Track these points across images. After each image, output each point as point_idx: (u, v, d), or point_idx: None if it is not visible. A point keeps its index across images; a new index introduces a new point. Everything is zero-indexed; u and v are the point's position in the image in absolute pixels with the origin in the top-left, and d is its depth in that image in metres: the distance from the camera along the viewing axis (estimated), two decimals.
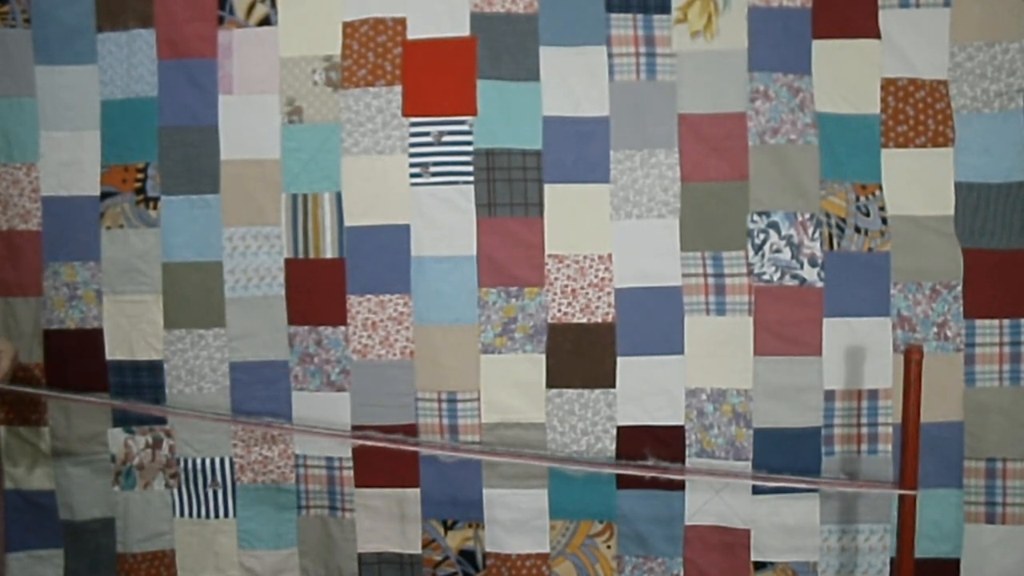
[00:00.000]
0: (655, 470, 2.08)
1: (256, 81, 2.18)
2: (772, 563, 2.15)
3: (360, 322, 2.19)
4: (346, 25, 2.16)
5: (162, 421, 2.26)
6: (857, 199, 2.09)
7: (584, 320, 2.15)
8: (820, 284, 2.10)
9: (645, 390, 2.15)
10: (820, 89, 2.09)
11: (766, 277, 2.11)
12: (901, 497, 1.88)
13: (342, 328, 2.20)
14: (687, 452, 2.15)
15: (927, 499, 2.03)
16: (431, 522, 2.23)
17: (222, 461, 2.26)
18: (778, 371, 2.11)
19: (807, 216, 2.10)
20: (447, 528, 2.23)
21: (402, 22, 2.15)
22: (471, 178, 2.15)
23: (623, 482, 2.17)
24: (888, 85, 2.08)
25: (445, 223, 2.16)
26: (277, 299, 2.22)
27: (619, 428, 2.16)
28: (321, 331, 2.21)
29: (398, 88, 2.15)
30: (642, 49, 2.12)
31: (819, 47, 2.09)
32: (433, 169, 2.16)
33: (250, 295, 2.22)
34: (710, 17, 2.09)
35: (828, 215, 2.09)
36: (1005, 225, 2.05)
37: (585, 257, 2.15)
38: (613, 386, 2.16)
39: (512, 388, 2.17)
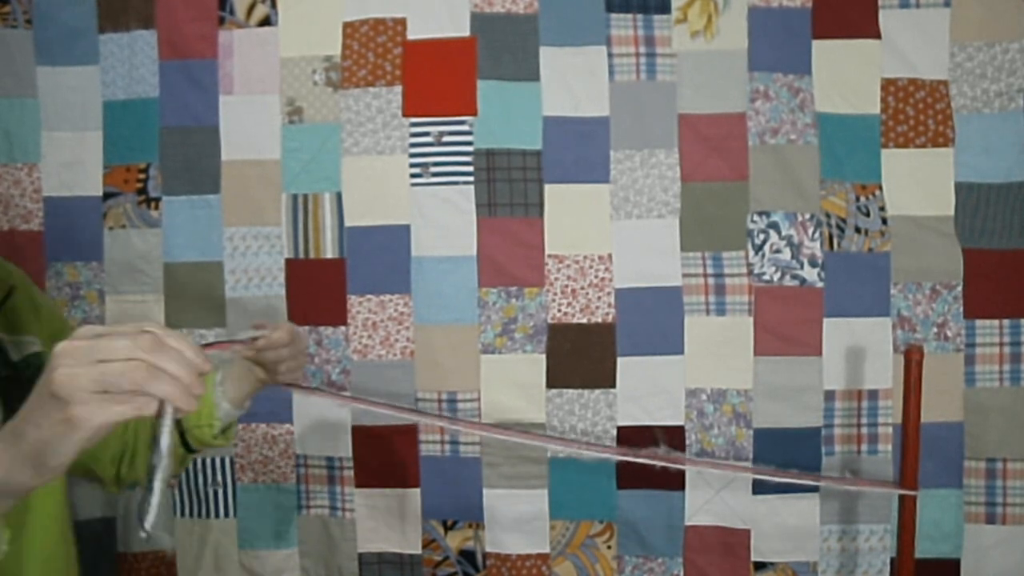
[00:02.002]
0: (658, 458, 2.07)
1: (256, 81, 2.19)
2: (772, 563, 2.15)
3: (360, 322, 2.20)
4: (346, 25, 2.16)
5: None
6: (857, 199, 2.09)
7: (584, 320, 2.15)
8: (820, 284, 2.10)
9: (645, 390, 2.15)
10: (820, 89, 2.09)
11: (766, 277, 2.11)
12: (901, 497, 1.87)
13: (342, 328, 2.20)
14: (687, 452, 2.15)
15: (927, 499, 2.03)
16: (431, 522, 2.23)
17: (223, 461, 2.27)
18: (778, 371, 2.11)
19: (807, 216, 2.10)
20: (447, 528, 2.23)
21: (402, 22, 2.15)
22: (471, 178, 2.15)
23: (623, 482, 2.17)
24: (888, 85, 2.08)
25: (445, 223, 2.16)
26: (277, 299, 2.22)
27: (619, 428, 2.16)
28: (321, 331, 2.21)
29: (398, 88, 2.16)
30: (642, 49, 2.12)
31: (819, 47, 2.09)
32: (433, 169, 2.16)
33: (251, 295, 2.22)
34: (710, 17, 2.10)
35: (828, 215, 2.09)
36: (1005, 225, 2.05)
37: (585, 257, 2.15)
38: (613, 386, 2.16)
39: (512, 388, 2.17)
